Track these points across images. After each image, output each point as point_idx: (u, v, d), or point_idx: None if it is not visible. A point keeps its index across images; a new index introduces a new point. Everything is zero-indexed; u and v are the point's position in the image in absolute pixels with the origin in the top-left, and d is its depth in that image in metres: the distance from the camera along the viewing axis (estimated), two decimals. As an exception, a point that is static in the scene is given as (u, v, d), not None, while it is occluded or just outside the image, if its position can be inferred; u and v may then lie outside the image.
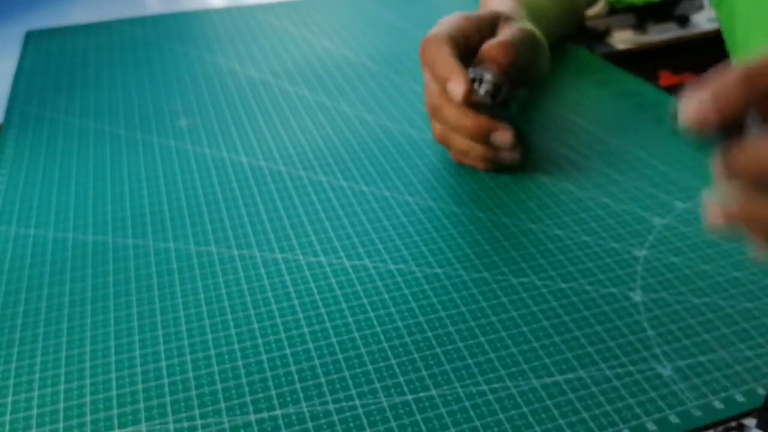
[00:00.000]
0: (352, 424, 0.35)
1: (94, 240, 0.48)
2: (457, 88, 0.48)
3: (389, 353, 0.39)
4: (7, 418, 0.36)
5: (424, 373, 0.37)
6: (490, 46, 0.50)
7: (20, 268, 0.46)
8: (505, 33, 0.52)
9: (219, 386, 0.37)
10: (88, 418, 0.36)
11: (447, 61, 0.49)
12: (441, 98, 0.51)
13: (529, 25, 0.55)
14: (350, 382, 0.37)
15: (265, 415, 0.36)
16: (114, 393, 0.37)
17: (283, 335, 0.40)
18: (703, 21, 0.81)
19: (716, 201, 0.33)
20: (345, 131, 0.61)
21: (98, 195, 0.53)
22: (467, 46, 0.52)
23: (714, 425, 0.34)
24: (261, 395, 0.37)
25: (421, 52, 0.51)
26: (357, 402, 0.36)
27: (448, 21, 0.53)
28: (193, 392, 0.37)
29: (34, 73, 0.74)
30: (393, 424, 0.35)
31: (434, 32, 0.51)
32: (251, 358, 0.39)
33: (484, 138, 0.50)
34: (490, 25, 0.54)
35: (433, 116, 0.52)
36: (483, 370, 0.37)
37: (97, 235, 0.49)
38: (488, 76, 0.49)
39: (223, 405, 0.36)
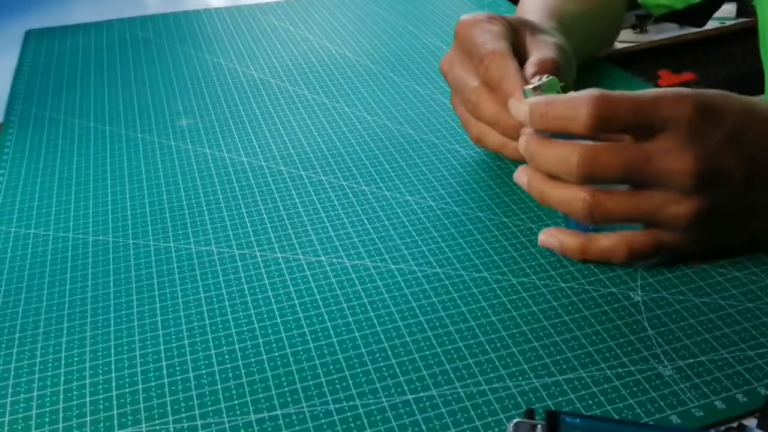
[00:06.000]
0: (352, 424, 0.35)
1: (94, 240, 0.48)
2: (524, 107, 0.47)
3: (389, 353, 0.39)
4: (7, 418, 0.36)
5: (425, 372, 0.37)
6: (543, 60, 0.50)
7: (20, 268, 0.46)
8: (544, 49, 0.52)
9: (219, 386, 0.37)
10: (88, 418, 0.36)
11: (515, 77, 0.48)
12: (482, 95, 0.50)
13: (560, 38, 0.55)
14: (350, 382, 0.37)
15: (265, 415, 0.35)
16: (114, 393, 0.37)
17: (283, 335, 0.40)
18: (703, 21, 0.81)
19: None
20: (345, 131, 0.61)
21: (98, 195, 0.53)
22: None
23: (715, 425, 0.34)
24: (261, 395, 0.36)
25: (482, 61, 0.50)
26: (357, 402, 0.36)
27: (490, 26, 0.52)
28: (193, 392, 0.37)
29: (34, 72, 0.74)
30: (393, 423, 0.35)
31: (492, 42, 0.50)
32: (251, 358, 0.39)
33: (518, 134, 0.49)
34: (514, 30, 0.53)
35: (472, 113, 0.52)
36: (483, 370, 0.37)
37: (97, 235, 0.49)
38: (551, 83, 0.48)
39: (223, 405, 0.36)
